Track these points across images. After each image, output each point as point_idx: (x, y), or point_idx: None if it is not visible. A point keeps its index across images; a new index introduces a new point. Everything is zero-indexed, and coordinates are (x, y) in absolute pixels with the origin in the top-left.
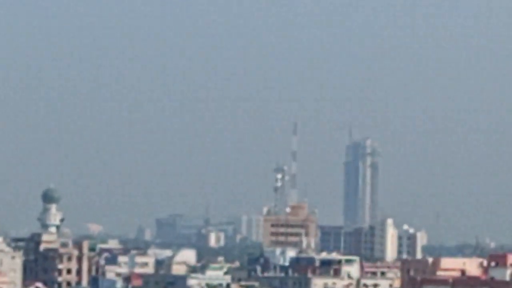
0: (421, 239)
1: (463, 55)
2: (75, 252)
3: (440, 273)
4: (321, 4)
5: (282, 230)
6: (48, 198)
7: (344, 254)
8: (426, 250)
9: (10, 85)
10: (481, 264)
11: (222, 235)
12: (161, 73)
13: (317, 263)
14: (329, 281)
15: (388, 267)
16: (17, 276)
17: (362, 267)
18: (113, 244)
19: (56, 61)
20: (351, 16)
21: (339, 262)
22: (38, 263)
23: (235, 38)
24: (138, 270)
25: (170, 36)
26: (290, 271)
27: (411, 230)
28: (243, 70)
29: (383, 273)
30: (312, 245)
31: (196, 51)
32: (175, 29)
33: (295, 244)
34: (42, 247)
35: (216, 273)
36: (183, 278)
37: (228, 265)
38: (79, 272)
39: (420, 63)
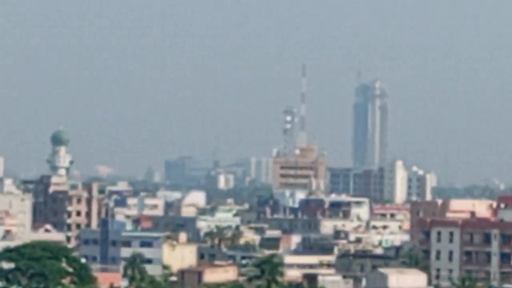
0: (431, 181)
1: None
2: (85, 194)
3: (449, 215)
4: None
5: (291, 172)
6: (57, 140)
7: (354, 196)
8: (435, 191)
9: (22, 26)
10: (490, 206)
11: (231, 177)
12: (171, 18)
13: (327, 205)
14: (339, 223)
15: (398, 209)
16: (27, 218)
17: (371, 209)
18: (122, 186)
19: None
20: None
21: (349, 204)
22: (48, 205)
23: None
24: (147, 212)
25: None
26: (299, 213)
27: (421, 172)
28: (252, 12)
29: (392, 215)
30: (322, 187)
31: None
32: None
33: (304, 186)
34: (52, 189)
35: (225, 215)
36: (192, 220)
37: (237, 207)
38: (88, 214)
39: (427, 5)
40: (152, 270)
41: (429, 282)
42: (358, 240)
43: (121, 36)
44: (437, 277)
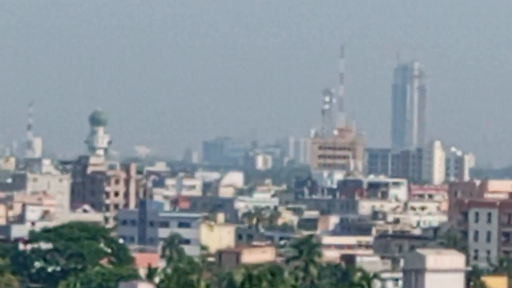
0: (469, 162)
1: None
2: (123, 175)
3: (487, 196)
4: None
5: (329, 152)
6: (95, 120)
7: (392, 176)
8: (473, 172)
9: (59, 9)
10: None
11: (269, 158)
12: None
13: (365, 186)
14: (377, 203)
15: (436, 189)
16: (65, 199)
17: (409, 190)
18: (160, 166)
19: None
20: None
21: (387, 184)
22: (86, 186)
23: None
24: (185, 192)
25: None
26: (337, 194)
27: (459, 153)
28: None
29: (430, 196)
30: (360, 167)
31: None
32: None
33: (342, 167)
34: (90, 169)
35: (264, 196)
36: (230, 201)
37: (275, 187)
38: (126, 194)
39: None
40: (190, 250)
41: (467, 263)
42: (396, 221)
43: (160, 19)
44: (475, 258)
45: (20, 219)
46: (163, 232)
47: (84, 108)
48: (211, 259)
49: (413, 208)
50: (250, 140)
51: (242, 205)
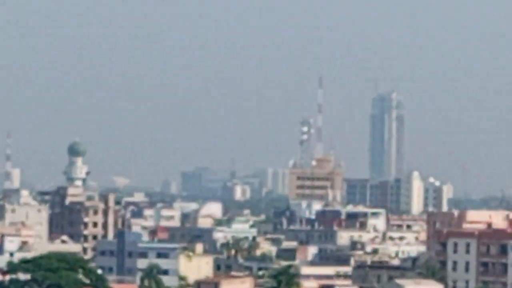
0: (447, 192)
1: (491, 9)
2: (101, 205)
3: (466, 226)
4: None
5: (308, 183)
6: (74, 151)
7: (370, 207)
8: (452, 202)
9: (37, 39)
10: (507, 217)
11: (248, 188)
12: (190, 27)
13: (343, 216)
14: (355, 234)
15: (414, 220)
16: (43, 229)
17: (388, 220)
18: (139, 197)
19: (77, 17)
20: None
21: (365, 215)
22: (64, 217)
23: None
24: (164, 223)
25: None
26: (316, 224)
27: (437, 183)
28: (268, 23)
29: (409, 226)
30: (338, 198)
31: (216, 14)
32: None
33: (321, 197)
34: (68, 200)
35: (242, 226)
36: (209, 231)
37: (254, 218)
38: (105, 225)
39: (446, 16)
40: (169, 281)
41: None
42: (375, 251)
43: (137, 50)
44: None
45: None
46: (142, 263)
47: (62, 139)
48: None
49: (392, 238)
50: (229, 170)
51: (220, 235)
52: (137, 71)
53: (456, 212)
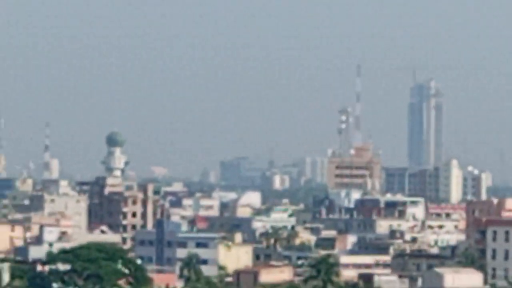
0: (486, 180)
1: None
2: (140, 195)
3: (505, 214)
4: None
5: (346, 171)
6: (112, 141)
7: (409, 195)
8: (491, 191)
9: (77, 31)
10: None
11: (286, 177)
12: (229, 22)
13: (382, 205)
14: (394, 222)
15: (453, 208)
16: (82, 220)
17: (427, 209)
18: (177, 187)
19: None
20: None
21: (404, 203)
22: (103, 207)
23: None
24: (202, 212)
25: None
26: (355, 213)
27: (476, 171)
28: (308, 12)
29: (448, 215)
30: (377, 186)
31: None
32: None
33: (359, 186)
34: (107, 190)
35: (281, 215)
36: (248, 221)
37: (293, 207)
38: (144, 215)
39: (485, 4)
40: (208, 270)
41: (485, 282)
42: (414, 240)
43: (178, 40)
44: (493, 276)
45: (38, 240)
46: (181, 253)
47: (101, 129)
48: (229, 279)
49: (431, 227)
50: (267, 160)
51: (259, 225)
52: (175, 62)
53: (495, 200)
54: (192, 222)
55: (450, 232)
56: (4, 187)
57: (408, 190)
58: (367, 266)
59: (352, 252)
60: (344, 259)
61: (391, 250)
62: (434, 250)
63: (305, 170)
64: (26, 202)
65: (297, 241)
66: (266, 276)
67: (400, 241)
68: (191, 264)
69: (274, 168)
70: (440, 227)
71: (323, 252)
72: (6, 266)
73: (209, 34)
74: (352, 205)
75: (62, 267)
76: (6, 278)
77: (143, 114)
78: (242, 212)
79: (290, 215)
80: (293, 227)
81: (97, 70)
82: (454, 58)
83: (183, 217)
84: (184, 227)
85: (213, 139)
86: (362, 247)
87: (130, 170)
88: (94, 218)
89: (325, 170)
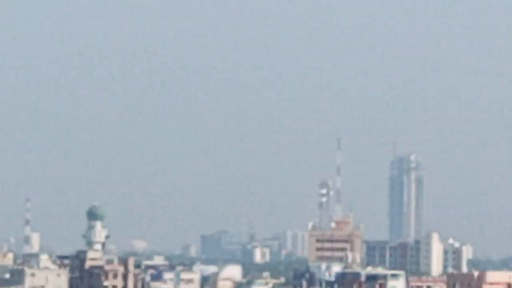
0: (467, 253)
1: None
2: (121, 269)
3: (486, 287)
4: (360, 13)
5: (327, 245)
6: (93, 215)
7: (390, 268)
8: (471, 264)
9: (52, 98)
10: None
11: (267, 251)
12: (211, 76)
13: (363, 278)
14: None
15: (434, 281)
16: None
17: (407, 282)
18: (158, 260)
19: (94, 73)
20: (394, 26)
21: (385, 277)
22: (84, 280)
23: (274, 49)
24: (183, 286)
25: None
26: (335, 286)
27: (457, 244)
28: (285, 85)
29: (429, 287)
30: (358, 260)
31: (229, 59)
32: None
33: (340, 259)
34: (88, 264)
35: None
36: None
37: (273, 280)
38: None
39: (462, 77)
40: None
41: None
42: None
43: (158, 108)
44: None
45: None
46: None
47: (81, 203)
48: None
49: None
50: (248, 233)
51: None
52: (150, 134)
53: (476, 273)
54: None
55: None
56: None
57: (389, 263)
58: None
59: None
60: None
61: None
62: None
63: (286, 244)
64: (7, 276)
65: None
66: None
67: None
68: None
69: (255, 241)
70: None
71: None
72: None
73: (180, 98)
74: (333, 278)
75: None
76: None
77: (123, 189)
78: (223, 285)
79: None
80: None
81: (76, 144)
82: (434, 132)
83: None
84: None
85: (193, 213)
86: None
87: (111, 244)
88: None
89: (305, 244)
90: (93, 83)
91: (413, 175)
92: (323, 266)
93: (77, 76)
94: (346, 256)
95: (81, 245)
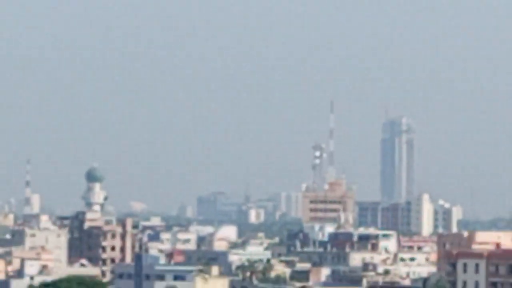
0: (457, 214)
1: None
2: (119, 230)
3: (475, 247)
4: None
5: (320, 206)
6: (92, 177)
7: (382, 229)
8: (461, 224)
9: (55, 66)
10: None
11: (262, 212)
12: (215, 56)
13: (355, 238)
14: (367, 255)
15: (425, 241)
16: (62, 254)
17: (399, 242)
18: (155, 221)
19: (97, 50)
20: None
21: (377, 237)
22: (83, 241)
23: (274, 20)
24: (180, 246)
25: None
26: (328, 246)
27: (447, 205)
28: (281, 48)
29: (419, 247)
30: (350, 220)
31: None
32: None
33: (333, 220)
34: (87, 225)
35: (257, 249)
36: (224, 254)
37: (268, 240)
38: (122, 249)
39: (454, 41)
40: None
41: None
42: (386, 272)
43: (157, 74)
44: None
45: (19, 274)
46: (159, 285)
47: (80, 165)
48: None
49: (403, 259)
50: (243, 195)
51: (235, 258)
52: (153, 98)
53: (465, 233)
54: (169, 255)
55: (422, 265)
56: None
57: (381, 223)
58: None
59: (326, 284)
60: None
61: (364, 282)
62: (406, 282)
63: (280, 205)
64: (8, 236)
65: (273, 274)
66: None
67: (373, 273)
68: None
69: (250, 202)
70: (412, 259)
71: (298, 285)
72: None
73: (181, 78)
74: (326, 239)
75: None
76: None
77: (122, 151)
78: (219, 245)
79: (266, 249)
80: (268, 260)
81: (77, 106)
82: (425, 94)
83: (161, 251)
84: (162, 260)
85: (189, 175)
86: (336, 280)
87: (109, 205)
88: (74, 252)
89: (299, 205)
90: (93, 46)
91: (404, 137)
92: (317, 226)
93: (78, 44)
94: (339, 217)
95: (80, 206)
